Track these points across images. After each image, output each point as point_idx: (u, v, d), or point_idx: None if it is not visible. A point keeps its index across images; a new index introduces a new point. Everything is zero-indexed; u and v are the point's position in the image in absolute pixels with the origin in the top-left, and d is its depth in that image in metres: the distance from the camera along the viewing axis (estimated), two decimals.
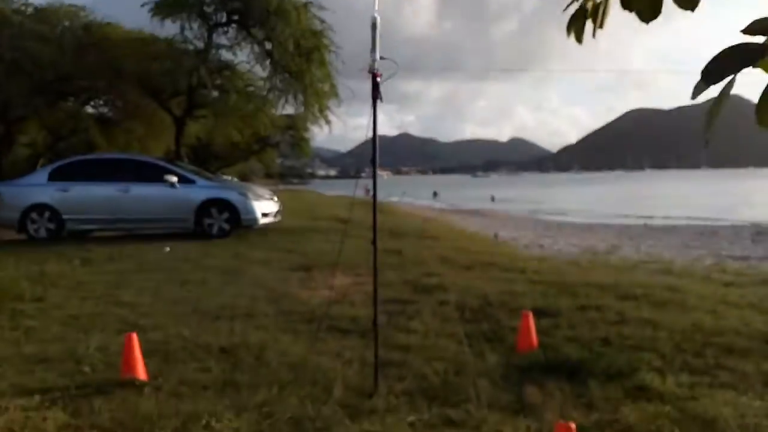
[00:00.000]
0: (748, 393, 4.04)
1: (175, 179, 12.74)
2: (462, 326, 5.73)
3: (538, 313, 6.01)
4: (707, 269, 10.40)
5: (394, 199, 42.55)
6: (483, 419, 3.65)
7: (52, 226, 12.76)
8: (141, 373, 4.37)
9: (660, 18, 1.67)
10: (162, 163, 13.31)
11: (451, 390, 4.18)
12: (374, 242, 4.17)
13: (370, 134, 4.16)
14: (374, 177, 4.23)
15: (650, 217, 26.82)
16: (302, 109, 16.99)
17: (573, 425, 2.65)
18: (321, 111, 17.25)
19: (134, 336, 4.46)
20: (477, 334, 5.63)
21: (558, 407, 3.80)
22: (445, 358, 4.89)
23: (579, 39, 2.10)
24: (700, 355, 4.82)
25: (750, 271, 10.14)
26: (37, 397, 3.97)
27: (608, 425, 3.53)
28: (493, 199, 46.21)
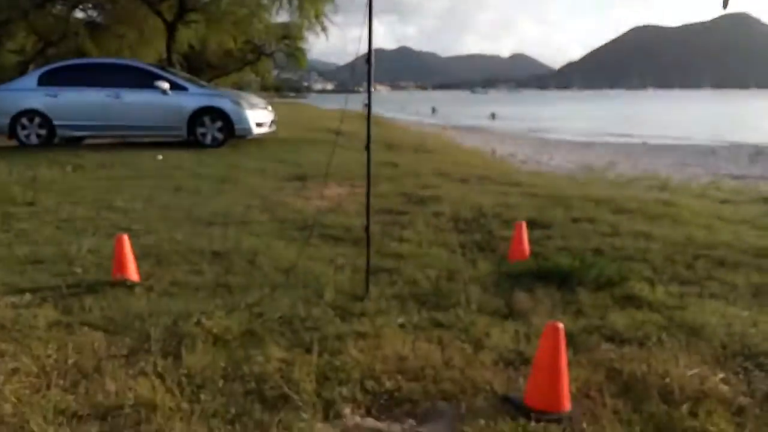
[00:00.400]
0: (737, 303, 4.07)
1: (166, 86, 12.43)
2: (455, 236, 5.73)
3: (532, 225, 6.01)
4: (703, 186, 10.36)
5: (396, 115, 41.93)
6: (472, 322, 3.68)
7: (43, 132, 12.56)
8: (133, 274, 4.38)
9: None
10: (153, 69, 12.94)
11: (442, 295, 4.20)
12: (368, 147, 4.07)
13: (365, 46, 3.97)
14: (369, 72, 4.07)
15: (649, 136, 26.59)
16: (297, 15, 16.37)
17: (561, 325, 2.65)
18: (317, 17, 16.66)
19: (125, 237, 4.43)
20: (470, 243, 5.64)
21: (547, 312, 3.84)
22: (436, 265, 4.90)
23: None
24: (690, 267, 4.84)
25: (746, 189, 10.11)
26: (28, 296, 3.98)
27: (596, 330, 3.57)
28: (493, 116, 45.37)
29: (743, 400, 2.76)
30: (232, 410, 2.59)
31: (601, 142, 24.32)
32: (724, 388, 2.85)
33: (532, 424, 2.53)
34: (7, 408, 2.55)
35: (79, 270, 4.62)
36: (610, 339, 3.46)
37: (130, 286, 4.23)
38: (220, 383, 2.86)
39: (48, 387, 2.74)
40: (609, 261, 4.85)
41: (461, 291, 4.22)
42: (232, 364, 3.04)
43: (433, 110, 51.93)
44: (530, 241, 5.37)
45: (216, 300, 4.02)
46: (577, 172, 12.81)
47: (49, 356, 3.06)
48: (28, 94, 12.55)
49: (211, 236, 5.72)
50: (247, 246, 5.35)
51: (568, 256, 4.84)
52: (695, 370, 2.98)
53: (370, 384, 2.88)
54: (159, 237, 5.65)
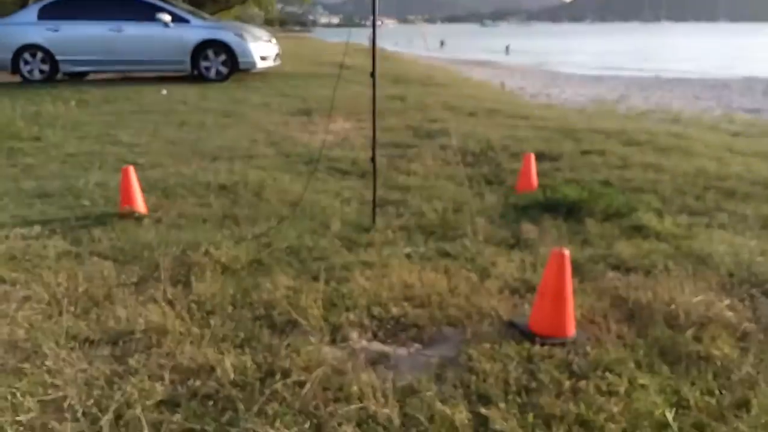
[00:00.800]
0: (746, 234, 4.05)
1: (168, 18, 12.15)
2: (463, 168, 5.69)
3: (540, 157, 5.95)
4: (716, 119, 10.18)
5: (403, 49, 40.99)
6: (478, 252, 3.69)
7: (45, 67, 12.38)
8: (140, 207, 4.39)
9: None
10: (154, 1, 12.61)
11: (449, 226, 4.20)
12: (372, 74, 3.98)
13: None
14: (374, 4, 3.94)
15: (662, 70, 25.98)
16: None
17: (566, 251, 2.65)
18: None
19: (131, 168, 4.42)
20: (477, 176, 5.60)
21: (553, 242, 3.83)
22: (444, 197, 4.89)
23: None
24: (700, 198, 4.80)
25: (759, 123, 9.92)
26: (37, 228, 4.01)
27: (602, 259, 3.57)
28: (507, 49, 44.11)
29: (748, 325, 2.78)
30: (242, 335, 2.63)
31: (613, 75, 23.79)
32: (730, 314, 2.86)
33: (537, 347, 2.56)
34: (20, 333, 2.60)
35: (87, 203, 4.64)
36: (616, 268, 3.47)
37: (138, 218, 4.24)
38: (230, 309, 2.90)
39: (59, 314, 2.79)
40: (618, 192, 4.82)
41: (468, 222, 4.22)
42: (241, 292, 3.08)
43: (442, 43, 50.74)
44: (539, 173, 5.32)
45: (223, 231, 4.03)
46: (588, 105, 12.59)
47: (59, 285, 3.10)
48: (28, 28, 12.31)
49: (217, 170, 5.70)
50: (254, 179, 5.33)
51: (577, 188, 4.80)
52: (701, 297, 2.99)
53: (376, 310, 2.91)
54: (165, 171, 5.63)
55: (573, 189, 4.79)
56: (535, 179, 5.17)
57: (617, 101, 13.94)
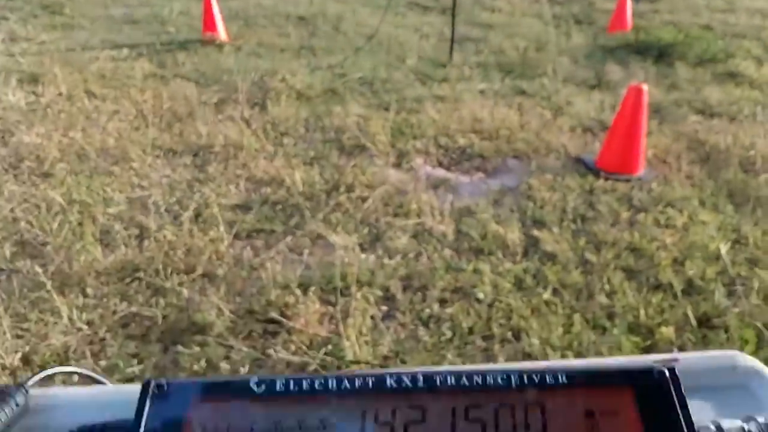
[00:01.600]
0: None
1: None
2: (551, 7, 5.37)
3: None
4: None
5: None
6: (556, 90, 3.59)
7: None
8: (221, 34, 4.46)
9: None
10: None
11: (529, 65, 4.06)
12: None
13: None
14: None
15: None
16: None
17: (645, 86, 2.54)
18: None
19: None
20: (567, 15, 5.29)
21: (637, 83, 3.66)
22: (528, 36, 4.68)
23: None
24: None
25: None
26: (125, 50, 4.18)
27: (687, 103, 3.40)
28: None
29: None
30: (312, 153, 2.76)
31: None
32: None
33: (600, 181, 2.56)
34: (110, 141, 2.82)
35: (171, 29, 4.75)
36: (701, 112, 3.31)
37: (219, 45, 4.33)
38: (302, 131, 3.01)
39: (146, 126, 2.99)
40: (717, 37, 4.46)
41: (550, 61, 4.06)
42: (314, 117, 3.17)
43: None
44: (634, 14, 4.95)
45: (300, 60, 4.07)
46: None
47: (145, 101, 3.29)
48: None
49: (297, 1, 5.63)
50: (333, 11, 5.26)
51: (673, 31, 4.47)
52: None
53: (443, 140, 2.95)
54: (246, 1, 5.62)
55: (668, 31, 4.47)
56: (629, 20, 4.82)
57: None
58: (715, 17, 5.04)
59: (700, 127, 3.09)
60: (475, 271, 1.94)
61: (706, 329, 1.72)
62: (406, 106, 3.35)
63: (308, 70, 3.84)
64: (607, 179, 2.58)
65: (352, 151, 2.82)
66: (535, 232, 2.20)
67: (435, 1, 5.75)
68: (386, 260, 1.98)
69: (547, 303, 1.81)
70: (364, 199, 2.35)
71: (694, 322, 1.74)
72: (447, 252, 2.03)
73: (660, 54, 4.15)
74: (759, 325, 1.70)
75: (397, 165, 2.72)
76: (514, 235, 2.16)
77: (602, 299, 1.85)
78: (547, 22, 4.91)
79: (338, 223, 2.19)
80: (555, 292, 1.86)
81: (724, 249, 2.07)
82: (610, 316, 1.78)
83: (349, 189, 2.42)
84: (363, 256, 2.00)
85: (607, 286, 1.91)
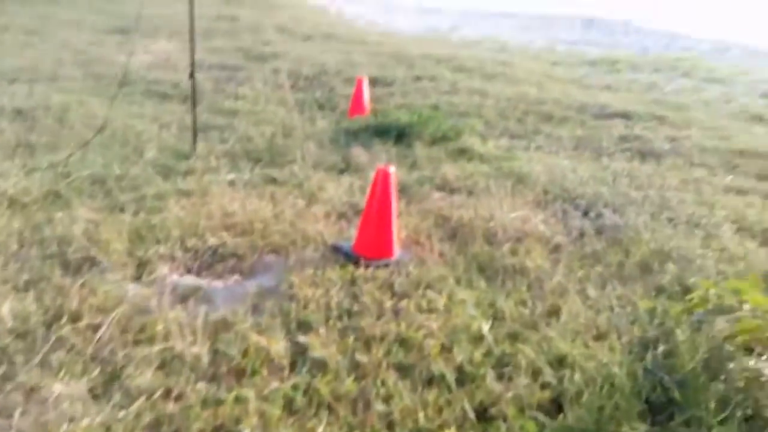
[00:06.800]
0: (560, 153, 4.27)
1: None
2: (294, 93, 5.45)
3: (374, 82, 5.84)
4: (538, 50, 10.69)
5: None
6: (307, 177, 3.54)
7: None
8: None
9: None
10: None
11: (277, 152, 3.99)
12: None
13: None
14: None
15: (493, 3, 26.93)
16: None
17: (392, 167, 2.57)
18: None
19: None
20: (310, 100, 5.39)
21: (383, 165, 3.77)
22: (274, 122, 4.64)
23: None
24: (521, 122, 4.98)
25: (577, 53, 10.57)
26: None
27: (428, 180, 3.57)
28: None
29: (560, 238, 2.92)
30: (26, 276, 2.28)
31: (448, 7, 24.24)
32: (543, 228, 2.98)
33: (360, 270, 2.49)
34: None
35: None
36: (441, 188, 3.49)
37: None
38: (14, 247, 2.50)
39: None
40: (446, 116, 4.86)
41: (297, 147, 4.03)
42: (30, 228, 2.68)
43: None
44: (371, 98, 5.22)
45: (14, 161, 3.50)
46: (423, 34, 12.69)
47: None
48: None
49: (14, 93, 4.97)
50: (57, 102, 4.71)
51: (407, 113, 4.77)
52: (518, 213, 3.09)
53: (191, 241, 2.67)
54: None
55: (404, 113, 4.76)
56: (367, 104, 5.06)
57: (451, 31, 14.20)
58: (442, 98, 5.54)
59: (444, 204, 3.24)
60: (238, 400, 1.68)
61: (486, 423, 1.67)
62: (145, 205, 3.01)
63: (24, 171, 3.30)
64: (367, 266, 2.53)
65: (80, 267, 2.40)
66: (302, 338, 2.02)
67: (174, 89, 5.49)
68: (125, 409, 1.63)
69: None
70: (95, 328, 1.97)
71: (472, 415, 1.69)
72: (202, 384, 1.75)
73: (399, 135, 4.37)
74: (538, 416, 1.69)
75: (137, 278, 2.37)
76: (279, 346, 1.96)
77: (379, 407, 1.72)
78: (292, 108, 4.94)
79: (61, 366, 1.77)
80: (330, 410, 1.68)
81: (485, 327, 2.09)
82: (390, 426, 1.65)
83: (75, 317, 2.01)
84: (95, 407, 1.62)
85: (382, 390, 1.79)
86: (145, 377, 1.74)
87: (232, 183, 3.43)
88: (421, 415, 1.66)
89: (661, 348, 2.01)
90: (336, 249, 2.71)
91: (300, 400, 1.71)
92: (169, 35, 7.87)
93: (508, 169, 3.82)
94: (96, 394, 1.68)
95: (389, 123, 4.56)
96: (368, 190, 3.13)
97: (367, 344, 2.02)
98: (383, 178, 2.57)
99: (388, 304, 2.26)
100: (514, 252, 2.72)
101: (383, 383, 1.80)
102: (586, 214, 3.22)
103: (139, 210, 2.93)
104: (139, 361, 1.82)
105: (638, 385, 1.83)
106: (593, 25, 19.55)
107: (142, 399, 1.66)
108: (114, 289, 2.21)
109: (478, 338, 2.06)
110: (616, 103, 5.67)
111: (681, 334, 2.02)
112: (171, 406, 1.64)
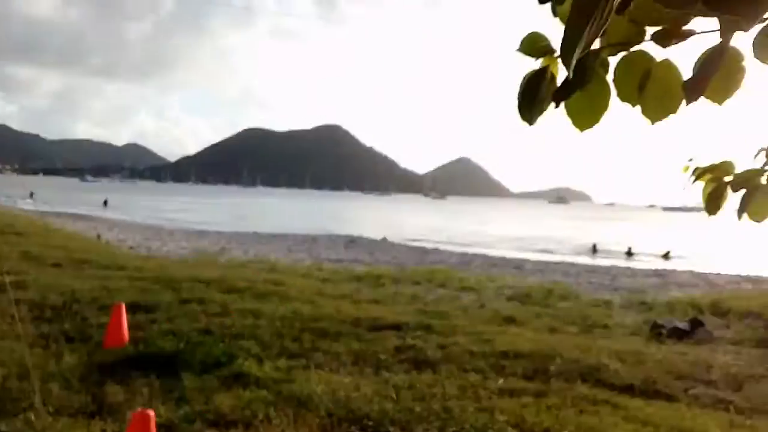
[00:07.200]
0: (340, 371, 4.15)
1: None
2: (37, 326, 4.75)
3: (134, 309, 5.37)
4: (308, 268, 11.07)
5: None
6: (47, 427, 2.91)
7: None
8: None
9: None
10: None
11: (10, 398, 3.30)
12: None
13: None
14: None
15: (260, 226, 28.09)
16: None
17: (151, 412, 2.18)
18: None
19: None
20: (57, 333, 4.72)
21: (144, 403, 3.27)
22: (7, 363, 3.91)
23: None
24: (297, 340, 4.85)
25: (343, 270, 11.12)
26: None
27: (199, 416, 3.16)
28: (105, 203, 42.85)
29: None
30: None
31: (215, 230, 24.64)
32: None
33: None
34: None
35: None
36: (215, 424, 3.09)
37: None
38: None
39: None
40: (217, 341, 4.55)
41: (36, 391, 3.36)
42: None
43: (31, 194, 46.00)
44: (131, 326, 4.73)
45: None
46: (190, 257, 12.48)
47: None
48: None
49: None
50: None
51: (173, 340, 4.38)
52: None
53: None
54: None
55: (169, 340, 4.36)
56: (125, 333, 4.56)
57: (219, 253, 14.24)
58: (212, 321, 5.24)
59: None
60: None
61: None
62: None
63: None
64: None
65: None
66: None
67: None
68: None
69: None
70: None
71: None
72: None
73: (164, 365, 3.93)
74: None
75: None
76: None
77: None
78: (32, 344, 4.25)
79: None
80: None
81: None
82: None
83: None
84: None
85: None
86: None
87: None
88: None
89: None
90: None
91: None
92: None
93: (289, 392, 3.57)
94: None
95: (152, 352, 4.12)
96: None
97: None
98: (142, 422, 2.17)
99: None
100: None
101: None
102: None
103: None
104: None
105: None
106: (354, 243, 21.20)
107: None
108: None
109: None
110: (386, 315, 5.87)
111: None
112: None
